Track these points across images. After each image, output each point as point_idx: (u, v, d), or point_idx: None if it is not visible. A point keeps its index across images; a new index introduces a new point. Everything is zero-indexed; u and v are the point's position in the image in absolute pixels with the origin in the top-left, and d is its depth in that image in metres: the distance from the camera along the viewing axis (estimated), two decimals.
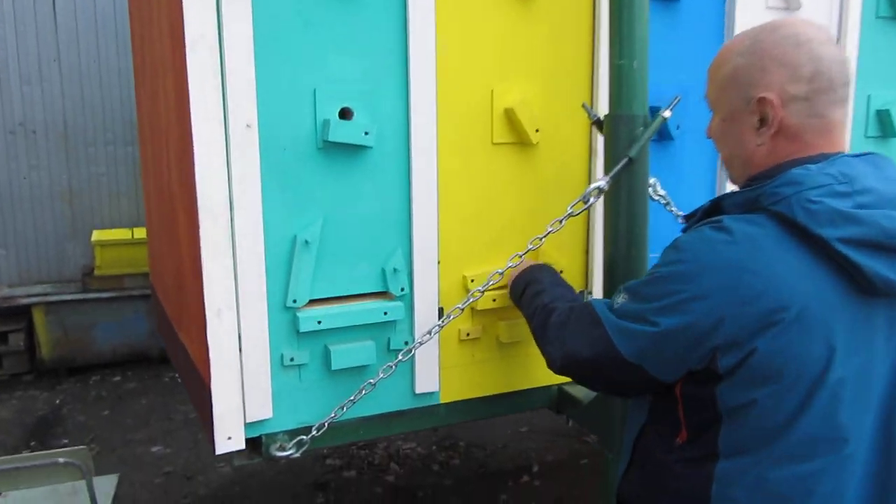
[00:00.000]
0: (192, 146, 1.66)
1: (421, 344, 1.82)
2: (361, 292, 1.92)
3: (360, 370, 1.93)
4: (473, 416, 2.15)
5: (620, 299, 1.41)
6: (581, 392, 2.18)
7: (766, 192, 1.25)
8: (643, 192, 1.85)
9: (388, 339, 1.95)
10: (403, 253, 1.93)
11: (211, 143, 1.67)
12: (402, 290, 1.93)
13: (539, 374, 2.18)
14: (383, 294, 1.95)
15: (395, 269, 1.91)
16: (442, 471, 3.87)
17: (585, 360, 1.45)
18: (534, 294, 1.77)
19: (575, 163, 2.13)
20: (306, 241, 1.80)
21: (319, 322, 1.84)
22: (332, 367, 1.86)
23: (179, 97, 1.81)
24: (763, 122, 1.31)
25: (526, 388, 2.17)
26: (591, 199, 1.78)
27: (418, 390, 2.00)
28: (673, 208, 2.12)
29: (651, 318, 1.30)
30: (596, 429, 2.06)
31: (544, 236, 1.81)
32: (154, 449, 4.09)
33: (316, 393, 1.90)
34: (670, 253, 1.34)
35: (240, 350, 1.77)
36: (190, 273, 1.92)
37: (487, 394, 2.12)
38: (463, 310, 1.83)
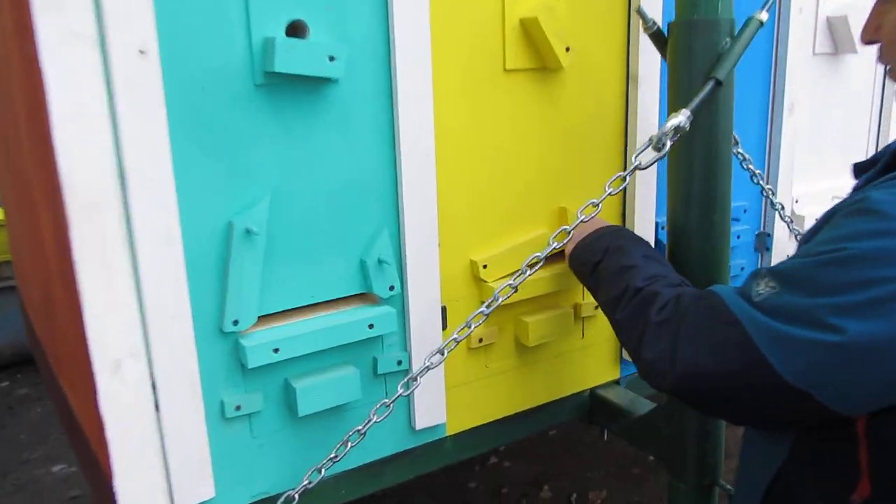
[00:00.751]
0: (44, 89, 0.99)
1: (428, 369, 1.24)
2: (334, 297, 1.32)
3: (340, 411, 1.34)
4: (489, 445, 1.60)
5: (763, 287, 0.93)
6: (624, 398, 1.67)
7: None
8: (728, 132, 1.31)
9: (376, 361, 1.37)
10: (390, 236, 1.33)
11: (78, 84, 1.00)
12: (392, 288, 1.33)
13: (571, 378, 1.65)
14: (365, 297, 1.35)
15: (379, 261, 1.31)
16: None
17: (713, 376, 0.96)
18: (619, 270, 1.21)
19: (611, 96, 1.56)
20: (248, 231, 1.17)
21: (276, 350, 1.23)
22: (300, 413, 1.27)
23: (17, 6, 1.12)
24: None
25: (555, 399, 1.64)
26: (667, 144, 1.22)
27: (419, 425, 1.43)
28: (751, 166, 1.60)
29: (831, 321, 0.84)
30: (655, 447, 1.55)
31: (602, 200, 1.24)
32: (55, 469, 3.38)
33: (277, 450, 1.30)
34: (865, 219, 0.87)
35: (156, 407, 1.14)
36: (64, 303, 1.25)
37: (506, 414, 1.57)
38: (488, 314, 1.25)
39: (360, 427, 1.24)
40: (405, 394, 1.24)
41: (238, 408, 1.24)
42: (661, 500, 3.03)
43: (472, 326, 1.25)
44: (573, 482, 3.18)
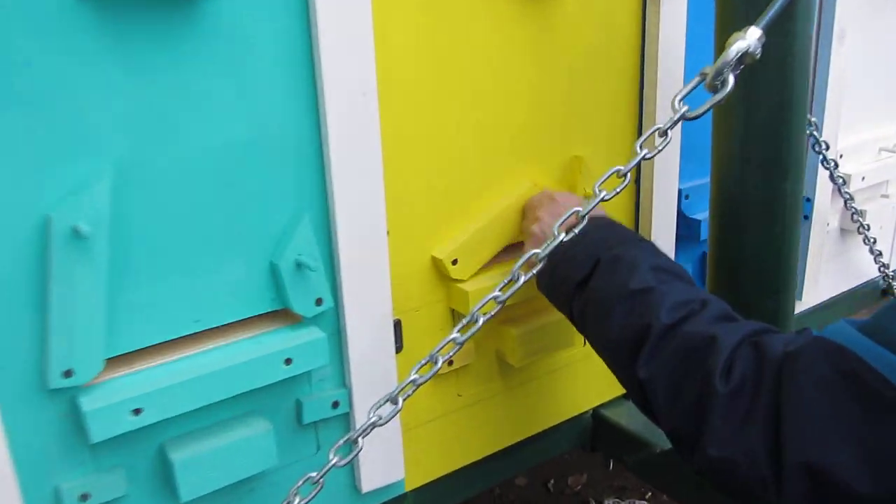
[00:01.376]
0: None
1: (375, 425, 0.82)
2: (231, 321, 0.88)
3: (247, 484, 0.92)
4: (464, 494, 1.20)
5: None
6: (635, 421, 1.28)
7: None
8: (805, 64, 0.90)
9: (300, 406, 0.95)
10: (314, 225, 0.89)
11: None
12: (319, 302, 0.90)
13: (568, 398, 1.26)
14: (281, 315, 0.92)
15: (298, 264, 0.88)
16: None
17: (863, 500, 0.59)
18: (624, 296, 0.81)
19: (623, 15, 1.12)
20: (76, 231, 0.72)
21: (137, 411, 0.79)
22: (182, 498, 0.84)
23: None
24: None
25: (548, 427, 1.25)
26: (729, 81, 0.80)
27: (366, 487, 1.02)
28: (822, 148, 1.20)
29: None
30: (686, 495, 1.17)
31: (630, 168, 0.82)
32: None
33: None
34: None
35: None
36: None
37: (484, 455, 1.18)
38: (463, 343, 0.83)
39: (314, 474, 0.82)
40: (341, 464, 0.82)
41: (85, 497, 0.81)
42: (644, 485, 2.71)
43: (440, 362, 0.83)
44: (550, 466, 2.80)
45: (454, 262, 1.01)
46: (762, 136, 0.90)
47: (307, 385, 0.95)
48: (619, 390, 1.33)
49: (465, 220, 1.03)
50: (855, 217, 1.50)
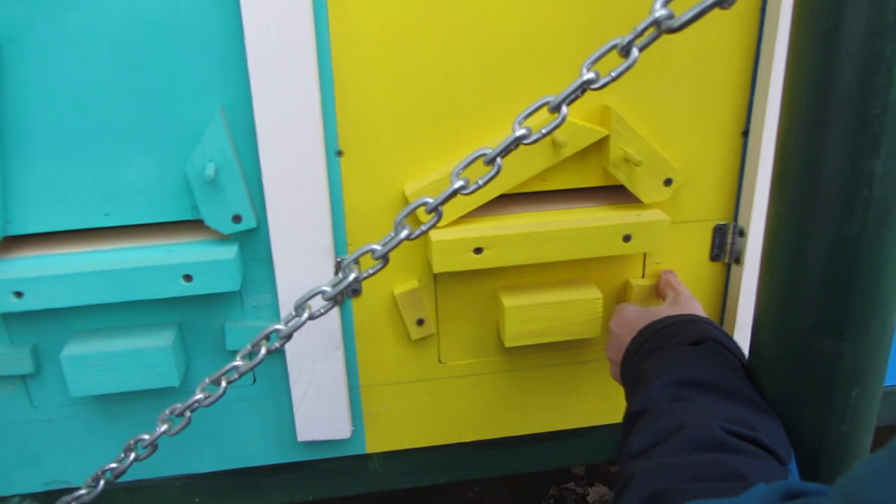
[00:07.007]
0: None
1: (192, 408, 0.69)
2: (141, 222, 0.81)
3: (158, 395, 0.87)
4: (441, 478, 1.02)
5: None
6: None
7: None
8: None
9: (223, 333, 0.86)
10: (236, 127, 0.77)
11: None
12: (238, 219, 0.79)
13: (591, 402, 0.99)
14: (206, 230, 0.82)
15: (208, 173, 0.76)
16: None
17: None
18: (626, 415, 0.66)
19: None
20: None
21: (19, 294, 0.77)
22: (72, 393, 0.82)
23: None
24: None
25: (556, 429, 1.00)
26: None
27: (301, 436, 0.91)
28: None
29: None
30: None
31: (564, 97, 0.54)
32: None
33: (73, 433, 0.88)
34: None
35: None
36: None
37: (470, 439, 0.98)
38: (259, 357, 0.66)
39: (147, 436, 0.76)
40: (171, 432, 0.73)
41: None
42: None
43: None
44: (552, 476, 2.25)
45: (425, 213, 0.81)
46: (846, 87, 0.53)
47: (238, 310, 0.85)
48: None
49: (452, 153, 0.82)
50: None
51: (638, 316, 0.76)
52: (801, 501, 0.41)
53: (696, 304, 0.80)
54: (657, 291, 0.90)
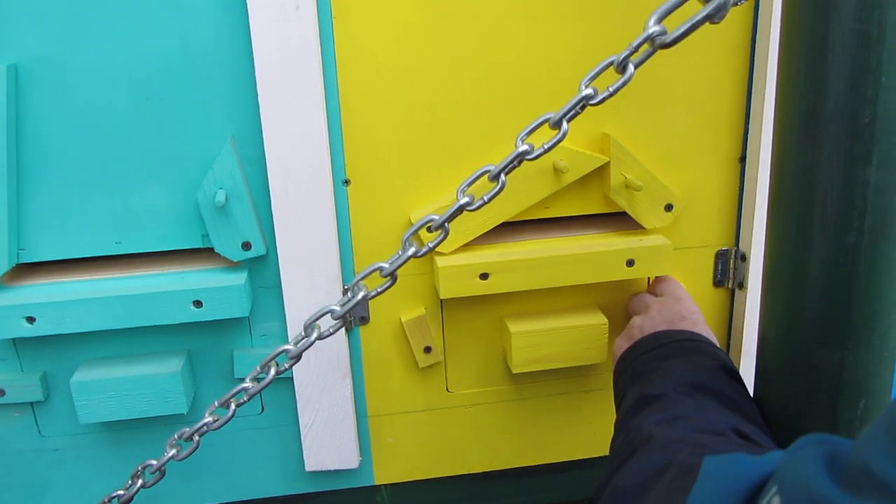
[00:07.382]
0: None
1: (208, 426, 0.70)
2: (153, 250, 0.83)
3: (167, 422, 0.87)
4: None
5: None
6: None
7: None
8: None
9: (232, 360, 0.86)
10: (245, 157, 0.79)
11: None
12: (247, 246, 0.80)
13: (602, 432, 0.98)
14: (217, 258, 0.84)
15: (219, 199, 0.78)
16: None
17: None
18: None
19: None
20: None
21: (31, 319, 0.78)
22: (81, 420, 0.82)
23: None
24: None
25: (566, 459, 0.99)
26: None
27: (309, 466, 0.91)
28: None
29: None
30: None
31: (564, 113, 0.56)
32: None
33: (82, 461, 0.88)
34: None
35: None
36: None
37: (478, 470, 0.97)
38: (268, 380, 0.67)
39: (154, 461, 0.76)
40: (179, 457, 0.73)
41: (1, 393, 0.83)
42: None
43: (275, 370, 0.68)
44: None
45: (430, 230, 0.83)
46: (835, 99, 0.55)
47: (247, 338, 0.86)
48: None
49: (457, 180, 0.84)
50: None
51: (660, 320, 0.78)
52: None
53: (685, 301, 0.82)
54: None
